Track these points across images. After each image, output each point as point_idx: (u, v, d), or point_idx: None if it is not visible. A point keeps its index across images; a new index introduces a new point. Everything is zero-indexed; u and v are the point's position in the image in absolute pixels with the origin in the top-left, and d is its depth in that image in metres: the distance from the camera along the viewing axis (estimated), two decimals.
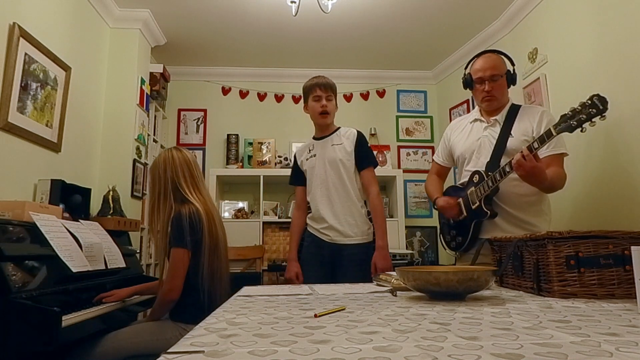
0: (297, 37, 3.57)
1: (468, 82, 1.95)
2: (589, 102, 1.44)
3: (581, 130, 1.47)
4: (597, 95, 1.43)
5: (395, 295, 1.16)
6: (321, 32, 3.49)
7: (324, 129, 2.20)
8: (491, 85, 1.86)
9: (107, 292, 1.89)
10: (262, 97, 4.22)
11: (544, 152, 1.75)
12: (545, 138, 1.56)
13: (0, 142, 2.00)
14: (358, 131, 2.20)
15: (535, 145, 1.58)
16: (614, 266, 1.07)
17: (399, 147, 4.28)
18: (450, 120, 4.06)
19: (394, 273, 1.33)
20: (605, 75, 2.20)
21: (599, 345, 0.58)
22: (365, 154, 2.15)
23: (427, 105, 4.38)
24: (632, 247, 0.87)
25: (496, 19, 3.30)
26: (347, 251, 2.05)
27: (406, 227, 3.87)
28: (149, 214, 1.84)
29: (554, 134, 1.53)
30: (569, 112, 1.49)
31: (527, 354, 0.54)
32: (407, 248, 3.83)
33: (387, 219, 3.72)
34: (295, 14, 2.88)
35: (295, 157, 2.32)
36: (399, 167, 4.17)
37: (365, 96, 4.31)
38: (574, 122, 1.47)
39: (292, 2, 2.79)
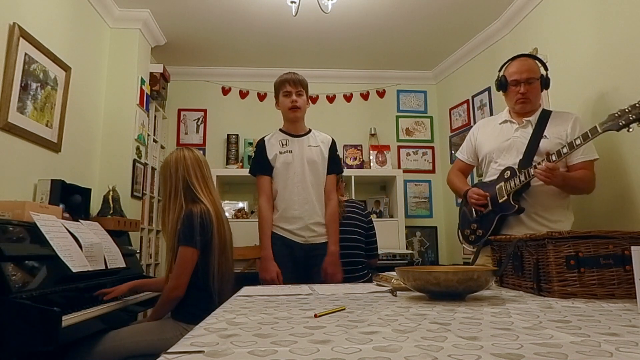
0: (297, 37, 3.57)
1: (502, 84, 1.97)
2: (639, 103, 1.49)
3: (628, 130, 1.53)
4: None
5: (395, 295, 1.16)
6: (321, 32, 3.49)
7: (297, 126, 2.17)
8: (526, 88, 1.89)
9: (107, 289, 1.90)
10: (262, 97, 4.22)
11: (577, 158, 1.83)
12: (589, 135, 1.62)
13: (0, 142, 2.00)
14: (332, 138, 2.25)
15: (578, 141, 1.64)
16: (614, 266, 1.07)
17: (399, 147, 4.28)
18: (451, 120, 4.07)
19: (393, 273, 1.33)
20: (606, 75, 2.19)
21: (599, 345, 0.58)
22: (336, 160, 2.21)
23: (427, 105, 4.38)
24: (632, 247, 0.87)
25: (496, 19, 3.30)
26: (320, 250, 2.06)
27: (406, 227, 3.87)
28: (161, 213, 1.86)
29: (600, 131, 1.59)
30: (618, 112, 1.56)
31: (527, 354, 0.54)
32: (407, 248, 3.83)
33: (387, 219, 3.79)
34: (295, 14, 2.88)
35: (262, 146, 2.15)
36: (399, 167, 4.17)
37: (365, 96, 4.31)
38: (622, 121, 1.53)
39: (292, 2, 2.79)
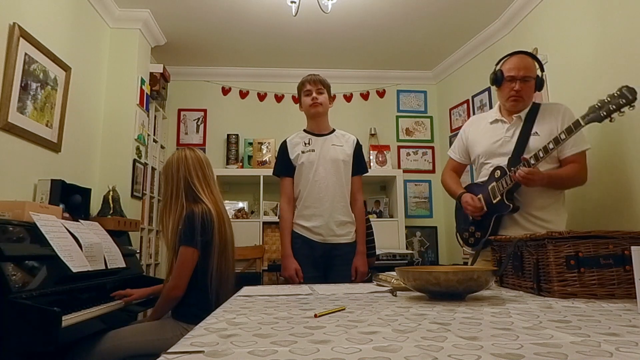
0: (297, 37, 3.57)
1: (497, 79, 1.93)
2: (618, 92, 1.51)
3: (610, 120, 1.53)
4: (626, 86, 1.50)
5: (395, 295, 1.16)
6: (321, 32, 3.49)
7: (320, 125, 2.18)
8: (521, 86, 1.86)
9: (125, 291, 1.93)
10: (262, 97, 4.22)
11: (568, 150, 1.81)
12: (572, 128, 1.61)
13: (0, 142, 2.00)
14: (357, 138, 2.25)
15: (562, 136, 1.63)
16: (614, 266, 1.07)
17: (399, 147, 4.28)
18: (450, 120, 4.07)
19: (393, 273, 1.33)
20: (606, 75, 2.19)
21: (599, 345, 0.58)
22: (361, 161, 2.22)
23: (427, 105, 4.38)
24: (632, 247, 0.87)
25: (496, 19, 3.30)
26: (340, 251, 2.07)
27: (406, 227, 3.87)
28: (161, 212, 1.87)
29: (582, 124, 1.59)
30: (597, 104, 1.56)
31: (527, 354, 0.54)
32: (407, 248, 3.83)
33: (387, 219, 3.79)
34: (295, 14, 2.88)
35: (285, 147, 2.19)
36: (399, 167, 4.17)
37: (365, 96, 4.31)
38: (603, 112, 1.53)
39: (292, 2, 2.79)
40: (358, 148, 2.20)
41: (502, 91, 1.93)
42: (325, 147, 2.13)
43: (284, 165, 2.17)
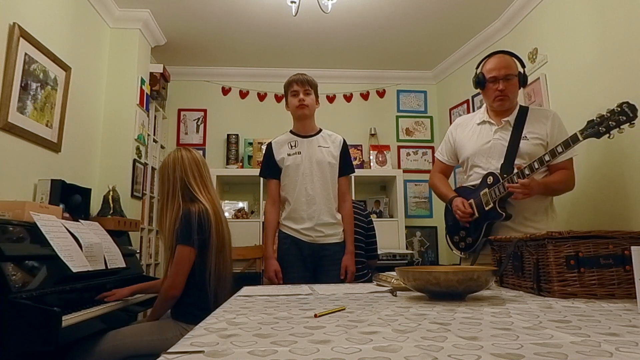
0: (297, 37, 3.57)
1: (480, 82, 1.93)
2: (618, 109, 1.49)
3: (609, 137, 1.51)
4: (627, 102, 1.48)
5: (395, 295, 1.16)
6: (321, 32, 3.49)
7: (306, 126, 2.17)
8: (505, 85, 1.85)
9: (108, 292, 1.90)
10: (262, 97, 4.22)
11: (557, 157, 1.79)
12: (570, 143, 1.61)
13: (0, 142, 2.00)
14: (343, 138, 2.24)
15: (560, 149, 1.63)
16: (614, 266, 1.07)
17: (399, 147, 4.28)
18: (450, 121, 4.06)
19: (393, 273, 1.33)
20: (606, 76, 2.20)
21: (599, 345, 0.58)
22: (348, 162, 2.21)
23: (427, 105, 4.38)
24: (632, 247, 0.87)
25: (496, 19, 3.30)
26: (328, 251, 2.06)
27: (406, 227, 3.87)
28: (159, 213, 1.87)
29: (581, 139, 1.57)
30: (597, 118, 1.54)
31: (527, 354, 0.54)
32: (407, 248, 3.83)
33: (387, 219, 3.79)
34: (295, 14, 2.89)
35: (270, 149, 2.18)
36: (399, 167, 4.17)
37: (365, 96, 4.31)
38: (603, 128, 1.51)
39: (292, 2, 2.79)
40: (344, 149, 2.20)
41: (487, 93, 1.93)
42: (311, 149, 2.12)
43: (270, 167, 2.16)
